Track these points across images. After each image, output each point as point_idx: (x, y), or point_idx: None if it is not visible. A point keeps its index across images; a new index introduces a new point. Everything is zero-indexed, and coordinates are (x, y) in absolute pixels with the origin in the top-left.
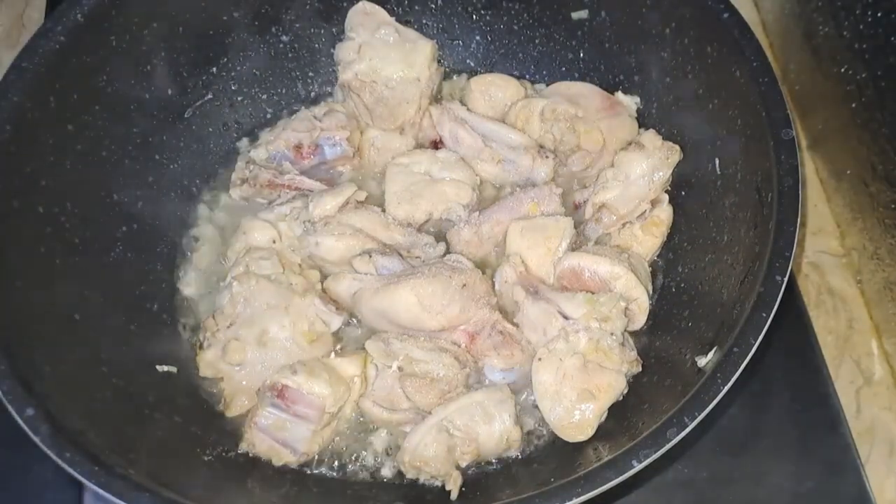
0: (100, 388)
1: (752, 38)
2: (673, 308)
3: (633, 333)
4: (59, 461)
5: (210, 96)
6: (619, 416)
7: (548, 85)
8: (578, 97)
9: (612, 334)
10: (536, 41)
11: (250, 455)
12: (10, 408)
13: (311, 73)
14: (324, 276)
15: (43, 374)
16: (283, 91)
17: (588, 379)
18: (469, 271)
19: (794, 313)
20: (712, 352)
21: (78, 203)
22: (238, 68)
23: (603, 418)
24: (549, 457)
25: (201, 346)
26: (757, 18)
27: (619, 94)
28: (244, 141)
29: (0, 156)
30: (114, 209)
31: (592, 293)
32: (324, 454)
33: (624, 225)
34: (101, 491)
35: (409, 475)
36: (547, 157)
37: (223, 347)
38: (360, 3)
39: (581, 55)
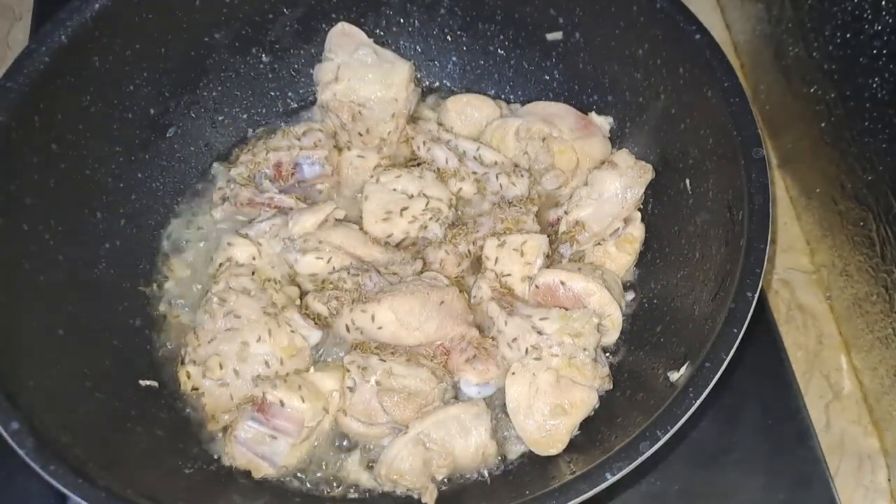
0: (84, 402)
1: (724, 59)
2: (645, 324)
3: (606, 349)
4: (44, 474)
5: (192, 116)
6: (593, 430)
7: (523, 105)
8: (553, 117)
9: (584, 350)
10: (512, 62)
11: (230, 468)
12: None
13: (290, 94)
14: (303, 293)
15: (28, 388)
16: (263, 111)
17: (560, 394)
18: (446, 288)
19: (764, 329)
20: (684, 367)
21: (62, 221)
22: (219, 88)
23: (575, 432)
24: (523, 470)
25: (182, 362)
26: (728, 39)
27: (593, 115)
28: (224, 160)
29: None
30: (97, 227)
31: (566, 309)
32: (302, 467)
33: (598, 242)
34: (84, 503)
35: (386, 488)
36: (522, 175)
37: (204, 362)
38: (338, 25)
39: (556, 75)
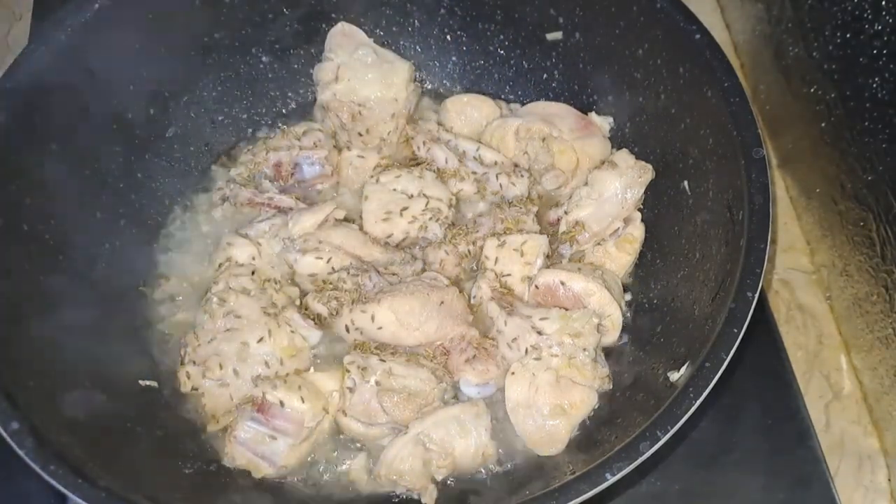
0: (84, 402)
1: (724, 59)
2: (646, 324)
3: (606, 349)
4: (44, 474)
5: (192, 116)
6: (593, 430)
7: (523, 105)
8: (553, 117)
9: (584, 350)
10: (512, 62)
11: (230, 468)
12: None
13: (290, 94)
14: (303, 293)
15: (28, 388)
16: (263, 111)
17: (560, 394)
18: (446, 288)
19: (764, 329)
20: (684, 367)
21: (62, 221)
22: (219, 88)
23: (575, 432)
24: (523, 470)
25: (182, 362)
26: (728, 39)
27: (593, 115)
28: (224, 160)
29: None
30: (96, 227)
31: (566, 309)
32: (302, 467)
33: (598, 242)
34: (84, 503)
35: (386, 488)
36: (522, 175)
37: (204, 362)
38: (338, 25)
39: (555, 75)
